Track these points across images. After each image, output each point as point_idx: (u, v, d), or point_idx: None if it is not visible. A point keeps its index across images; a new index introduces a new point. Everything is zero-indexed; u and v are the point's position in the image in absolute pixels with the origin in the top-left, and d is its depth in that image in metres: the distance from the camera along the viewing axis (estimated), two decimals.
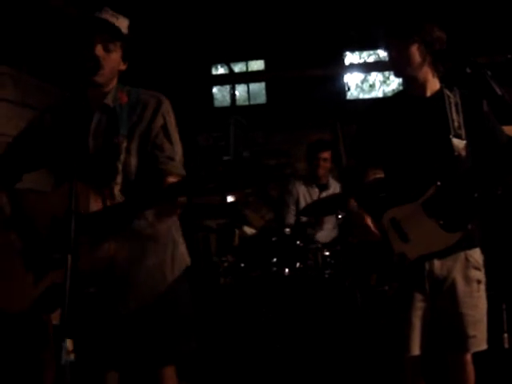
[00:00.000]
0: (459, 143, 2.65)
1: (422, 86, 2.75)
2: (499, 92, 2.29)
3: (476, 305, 2.68)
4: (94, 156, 2.41)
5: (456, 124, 2.66)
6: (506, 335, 2.43)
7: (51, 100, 2.65)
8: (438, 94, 2.76)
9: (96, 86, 2.41)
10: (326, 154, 5.44)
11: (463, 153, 2.65)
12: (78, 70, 2.33)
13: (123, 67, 2.49)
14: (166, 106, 2.53)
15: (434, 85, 2.76)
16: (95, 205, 2.25)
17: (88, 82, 2.37)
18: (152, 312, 2.42)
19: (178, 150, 2.52)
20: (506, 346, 2.42)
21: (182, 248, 2.61)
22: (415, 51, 2.63)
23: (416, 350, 2.68)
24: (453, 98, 2.73)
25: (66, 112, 2.44)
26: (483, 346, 2.68)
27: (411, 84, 2.78)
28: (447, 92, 2.75)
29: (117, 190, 2.38)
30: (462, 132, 2.67)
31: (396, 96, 3.00)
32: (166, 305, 2.46)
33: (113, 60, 2.40)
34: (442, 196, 2.60)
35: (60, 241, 2.21)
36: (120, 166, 2.39)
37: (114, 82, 2.50)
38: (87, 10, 2.45)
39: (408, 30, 2.61)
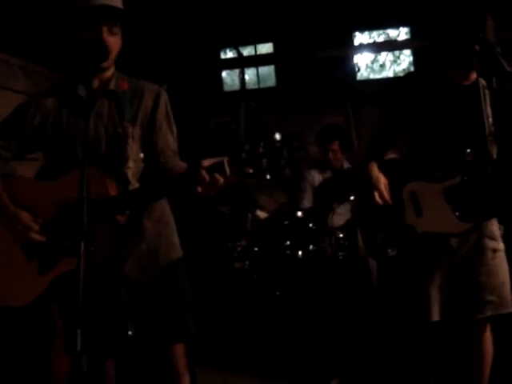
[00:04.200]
0: (492, 142, 2.69)
1: (465, 74, 2.75)
2: (509, 69, 2.27)
3: (492, 271, 2.74)
4: (105, 142, 2.41)
5: (490, 120, 2.70)
6: None
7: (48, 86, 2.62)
8: (475, 83, 2.76)
9: (102, 70, 2.41)
10: (335, 146, 5.43)
11: (493, 152, 2.68)
12: (85, 58, 2.33)
13: (121, 45, 2.49)
14: (166, 96, 2.56)
15: (473, 73, 2.76)
16: (112, 190, 2.25)
17: (96, 68, 2.36)
18: (157, 293, 2.45)
19: (176, 141, 2.57)
20: None
21: (176, 237, 2.63)
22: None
23: (435, 317, 2.74)
24: (487, 89, 2.73)
25: (67, 97, 2.44)
26: (505, 310, 2.73)
27: (455, 70, 2.76)
28: (483, 82, 2.75)
29: (130, 174, 2.39)
30: (493, 129, 2.69)
31: (433, 75, 2.94)
32: (171, 285, 2.50)
33: (117, 43, 2.41)
34: (465, 190, 2.67)
35: (71, 228, 2.23)
36: (129, 151, 2.41)
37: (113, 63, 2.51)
38: None
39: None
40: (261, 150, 2.01)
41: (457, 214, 2.68)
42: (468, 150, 2.68)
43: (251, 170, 2.02)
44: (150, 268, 2.47)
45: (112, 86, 2.46)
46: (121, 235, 2.30)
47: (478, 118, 2.70)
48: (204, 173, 2.01)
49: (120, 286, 2.40)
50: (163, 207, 2.56)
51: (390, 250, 2.80)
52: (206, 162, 2.03)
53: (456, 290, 2.76)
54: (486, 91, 2.72)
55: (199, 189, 2.04)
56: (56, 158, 2.45)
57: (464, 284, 2.75)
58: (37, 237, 2.28)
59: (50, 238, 2.29)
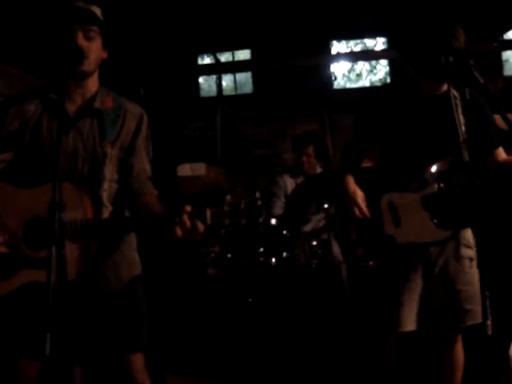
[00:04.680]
0: (465, 149, 2.70)
1: (435, 85, 2.78)
2: (482, 81, 2.29)
3: (470, 280, 2.75)
4: (81, 160, 2.37)
5: (463, 128, 2.71)
6: (489, 322, 2.46)
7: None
8: (446, 93, 2.77)
9: (81, 76, 2.38)
10: (309, 150, 5.42)
11: (467, 158, 2.70)
12: (61, 62, 2.30)
13: (105, 55, 2.45)
14: (147, 120, 2.54)
15: (443, 83, 2.78)
16: (88, 211, 2.22)
17: (73, 73, 2.33)
18: (116, 302, 2.43)
19: (150, 166, 2.57)
20: (490, 332, 2.45)
21: (136, 255, 2.62)
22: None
23: (408, 326, 2.75)
24: (459, 99, 2.76)
25: (49, 106, 2.40)
26: (480, 319, 2.73)
27: (426, 82, 2.79)
28: (454, 92, 2.77)
29: (105, 196, 2.37)
30: (467, 137, 2.71)
31: (404, 87, 2.95)
32: (128, 296, 2.48)
33: (95, 48, 2.37)
34: (442, 197, 2.69)
35: (39, 239, 2.20)
36: (106, 172, 2.38)
37: (97, 72, 2.47)
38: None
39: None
40: (242, 206, 2.09)
41: (435, 221, 2.69)
42: (436, 164, 2.71)
43: (231, 228, 2.09)
44: (113, 280, 2.44)
45: (97, 103, 2.41)
46: (92, 259, 2.28)
47: (451, 126, 2.72)
48: (186, 217, 2.04)
49: (84, 296, 2.37)
50: None
51: (371, 263, 2.80)
52: (189, 207, 2.07)
53: (434, 300, 2.77)
54: (458, 101, 2.75)
55: (179, 232, 2.07)
56: (29, 164, 2.39)
57: (443, 294, 2.75)
58: (1, 248, 2.24)
59: (14, 247, 2.25)
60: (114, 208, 2.42)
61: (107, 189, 2.38)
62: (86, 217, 2.19)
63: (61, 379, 2.44)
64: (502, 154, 2.82)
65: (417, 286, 2.76)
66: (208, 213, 2.07)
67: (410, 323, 2.75)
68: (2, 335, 2.43)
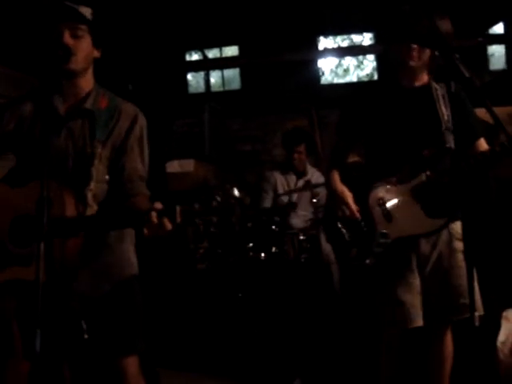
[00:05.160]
0: (449, 136, 2.71)
1: (414, 76, 2.80)
2: (467, 75, 2.31)
3: (463, 275, 2.72)
4: (71, 159, 2.36)
5: (446, 118, 2.73)
6: (476, 314, 2.47)
7: (23, 90, 2.56)
8: (426, 86, 2.81)
9: (70, 74, 2.36)
10: (301, 148, 5.46)
11: (452, 145, 2.70)
12: (49, 60, 2.30)
13: (97, 54, 2.43)
14: (143, 121, 2.51)
15: (423, 76, 2.81)
16: (70, 209, 2.22)
17: (61, 71, 2.33)
18: (110, 304, 2.41)
19: (146, 168, 2.52)
20: (477, 324, 2.46)
21: (133, 256, 2.59)
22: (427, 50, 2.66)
23: (417, 322, 2.74)
24: (440, 90, 2.78)
25: (41, 106, 2.37)
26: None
27: (404, 74, 2.81)
28: (434, 84, 2.80)
29: (90, 196, 2.34)
30: (451, 125, 2.72)
31: (384, 83, 2.98)
32: (124, 298, 2.46)
33: (84, 47, 2.35)
34: (432, 186, 2.69)
35: (24, 237, 2.20)
36: (94, 172, 2.35)
37: (90, 71, 2.46)
38: None
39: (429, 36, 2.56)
40: (214, 203, 2.04)
41: (427, 211, 2.69)
42: (420, 154, 2.72)
43: (201, 227, 2.05)
44: (103, 283, 2.42)
45: (89, 103, 2.41)
46: (77, 257, 2.26)
47: (433, 117, 2.74)
48: (154, 215, 2.02)
49: (72, 299, 2.35)
50: None
51: (367, 261, 2.77)
52: (159, 205, 2.05)
53: (431, 295, 2.76)
54: (439, 92, 2.78)
55: (145, 230, 2.06)
56: (25, 165, 2.40)
57: (438, 288, 2.76)
58: None
59: (1, 244, 2.24)
60: (102, 208, 2.39)
61: (94, 189, 2.35)
62: (64, 215, 2.18)
63: (50, 380, 2.42)
64: (483, 144, 2.84)
65: (415, 281, 2.75)
66: (178, 210, 2.04)
67: (419, 318, 2.73)
68: None
